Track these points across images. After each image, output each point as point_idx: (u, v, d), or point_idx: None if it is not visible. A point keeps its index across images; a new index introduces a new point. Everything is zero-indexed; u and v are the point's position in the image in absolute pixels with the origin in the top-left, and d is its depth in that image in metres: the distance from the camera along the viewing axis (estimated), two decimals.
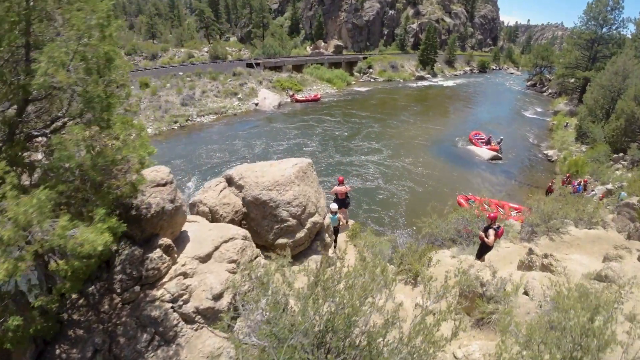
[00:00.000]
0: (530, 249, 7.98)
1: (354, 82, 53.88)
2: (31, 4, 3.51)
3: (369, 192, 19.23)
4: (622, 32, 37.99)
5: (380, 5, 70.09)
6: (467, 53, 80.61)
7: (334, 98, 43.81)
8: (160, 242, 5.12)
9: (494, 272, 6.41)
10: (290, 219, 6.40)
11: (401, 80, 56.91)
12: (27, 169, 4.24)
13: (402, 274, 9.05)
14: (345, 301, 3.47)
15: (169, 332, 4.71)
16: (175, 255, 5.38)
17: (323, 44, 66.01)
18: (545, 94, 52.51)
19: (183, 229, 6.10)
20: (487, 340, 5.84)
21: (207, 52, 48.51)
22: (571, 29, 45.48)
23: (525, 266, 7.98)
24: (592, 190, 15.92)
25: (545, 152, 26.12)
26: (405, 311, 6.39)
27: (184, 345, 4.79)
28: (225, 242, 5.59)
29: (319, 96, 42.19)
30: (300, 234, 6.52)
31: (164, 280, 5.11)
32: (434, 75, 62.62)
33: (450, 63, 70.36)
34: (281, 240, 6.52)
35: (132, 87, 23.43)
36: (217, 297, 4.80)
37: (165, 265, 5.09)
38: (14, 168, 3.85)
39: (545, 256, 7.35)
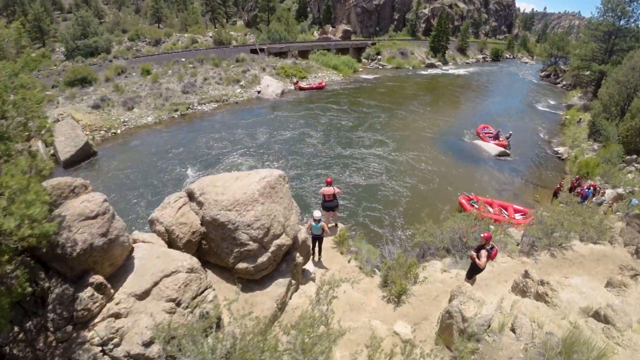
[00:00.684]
0: (526, 271, 7.29)
1: (361, 69, 52.35)
2: None
3: (370, 189, 18.56)
4: None
5: None
6: (480, 40, 77.62)
7: (340, 86, 42.61)
8: (91, 280, 4.72)
9: (480, 303, 5.75)
10: (251, 242, 5.79)
11: (410, 68, 55.11)
12: None
13: (385, 291, 8.48)
14: None
15: None
16: (112, 291, 4.95)
17: (331, 28, 64.06)
18: (559, 85, 50.49)
19: (133, 253, 5.61)
20: None
21: (211, 37, 47.44)
22: (588, 19, 43.29)
23: (520, 290, 7.31)
24: (602, 196, 14.93)
25: (555, 149, 24.93)
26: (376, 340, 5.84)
27: None
28: (167, 276, 5.07)
29: (323, 84, 41.06)
30: (262, 259, 5.92)
31: (97, 320, 4.62)
32: (445, 63, 60.44)
33: (462, 50, 67.80)
34: (241, 265, 5.94)
35: (134, 74, 22.84)
36: (148, 344, 4.29)
37: (98, 304, 4.67)
38: None
39: (542, 283, 6.67)
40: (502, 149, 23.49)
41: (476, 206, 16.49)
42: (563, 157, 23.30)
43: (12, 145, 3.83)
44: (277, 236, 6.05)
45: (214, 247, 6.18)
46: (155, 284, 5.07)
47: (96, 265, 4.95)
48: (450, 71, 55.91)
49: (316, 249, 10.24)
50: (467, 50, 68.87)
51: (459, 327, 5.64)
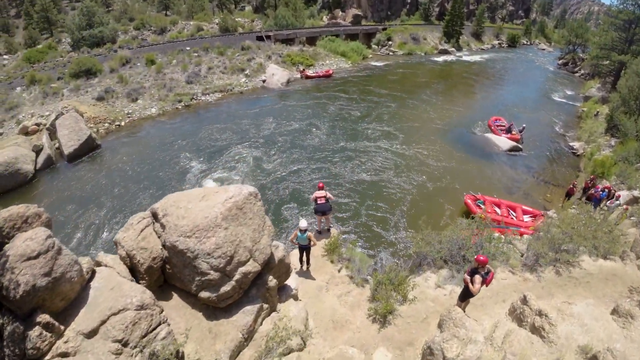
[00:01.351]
0: (525, 297, 6.68)
1: (370, 56, 50.73)
2: None
3: (374, 186, 17.93)
4: None
5: None
6: (496, 25, 74.09)
7: (348, 74, 41.38)
8: (38, 319, 4.56)
9: (465, 342, 5.22)
10: (212, 272, 5.36)
11: (422, 54, 53.10)
12: None
13: (372, 309, 8.01)
14: None
15: None
16: (62, 328, 4.75)
17: (341, 13, 62.06)
18: (577, 74, 48.05)
19: (92, 281, 5.36)
20: None
21: (217, 24, 46.50)
22: (608, 6, 40.76)
23: (516, 317, 6.74)
24: (617, 200, 13.93)
25: (571, 143, 23.60)
26: None
27: None
28: (114, 314, 4.83)
29: (331, 72, 39.94)
30: (225, 288, 5.50)
31: (47, 357, 4.40)
32: (459, 48, 57.98)
33: (477, 36, 64.82)
34: (204, 294, 5.55)
35: (138, 64, 22.67)
36: None
37: (47, 342, 4.54)
38: None
39: (540, 314, 6.08)
40: (514, 143, 22.36)
41: (483, 207, 15.75)
42: (578, 153, 22.04)
43: None
44: (243, 263, 5.61)
45: (177, 273, 5.83)
46: (103, 322, 4.87)
47: (45, 302, 4.79)
48: (464, 58, 53.61)
49: (304, 258, 9.84)
50: (482, 36, 65.84)
51: None
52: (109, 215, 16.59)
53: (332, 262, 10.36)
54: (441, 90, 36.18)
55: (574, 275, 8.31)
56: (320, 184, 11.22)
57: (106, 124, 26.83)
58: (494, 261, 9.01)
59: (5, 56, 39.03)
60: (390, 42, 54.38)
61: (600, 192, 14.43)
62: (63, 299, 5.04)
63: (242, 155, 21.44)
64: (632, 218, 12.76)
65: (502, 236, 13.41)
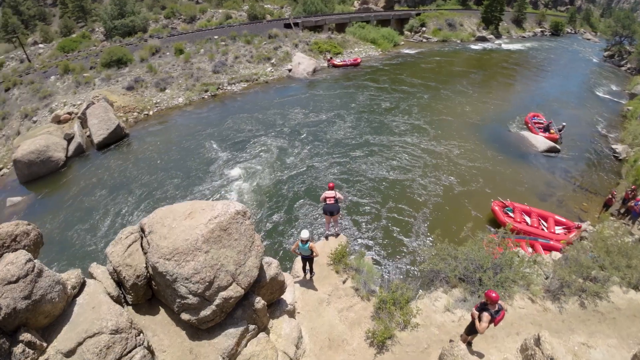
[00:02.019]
0: (538, 337, 5.98)
1: (402, 43, 48.59)
2: None
3: (398, 186, 17.12)
4: None
5: None
6: (539, 12, 68.36)
7: (378, 62, 39.83)
8: (21, 337, 4.67)
9: None
10: (190, 296, 5.16)
11: (458, 41, 50.11)
12: None
13: (369, 333, 7.56)
14: None
15: None
16: (44, 345, 4.84)
17: None
18: (623, 68, 43.51)
19: (78, 297, 5.56)
20: None
21: (245, 12, 46.22)
22: None
23: (526, 358, 6.04)
24: None
25: (613, 146, 21.32)
26: None
27: None
28: (90, 337, 4.82)
29: (359, 60, 38.65)
30: (205, 312, 5.28)
31: None
32: (498, 36, 54.08)
33: (518, 22, 60.08)
34: (185, 316, 5.40)
35: (167, 53, 23.26)
36: None
37: (29, 359, 4.64)
38: None
39: None
40: (551, 143, 20.58)
41: (511, 215, 14.65)
42: (620, 157, 19.88)
43: None
44: (224, 288, 5.36)
45: (161, 291, 5.69)
46: (80, 343, 4.92)
47: (29, 320, 4.91)
48: (504, 46, 49.92)
49: (307, 267, 9.52)
50: (523, 23, 60.97)
51: None
52: (136, 202, 17.20)
53: (337, 272, 9.96)
54: (478, 81, 33.96)
55: (600, 309, 7.40)
56: (331, 184, 10.97)
57: (135, 113, 27.59)
58: (514, 286, 8.20)
59: (41, 45, 40.93)
60: (424, 29, 51.77)
61: None
62: (47, 316, 5.16)
63: (264, 147, 21.41)
64: None
65: (527, 253, 12.48)
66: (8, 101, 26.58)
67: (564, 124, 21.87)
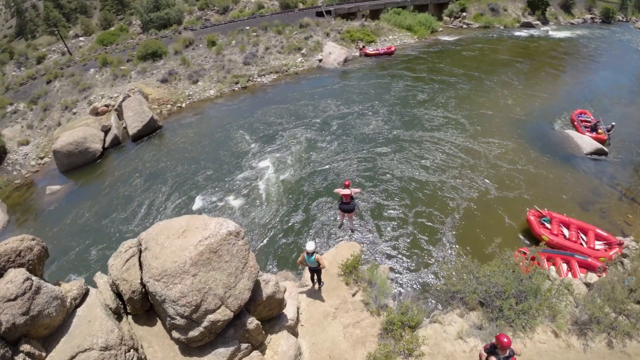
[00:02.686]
0: None
1: (440, 29, 45.99)
2: None
3: (429, 188, 16.14)
4: None
5: None
6: None
7: (413, 50, 37.99)
8: (21, 348, 5.01)
9: None
10: (178, 317, 5.16)
11: (502, 28, 46.54)
12: None
13: (370, 357, 7.26)
14: None
15: None
16: (43, 355, 5.13)
17: None
18: None
19: (79, 308, 5.85)
20: None
21: (278, 0, 45.79)
22: None
23: None
24: None
25: None
26: None
27: None
28: (82, 352, 5.04)
29: (393, 49, 37.04)
30: (194, 332, 5.29)
31: None
32: (545, 22, 49.41)
33: (567, 8, 54.38)
34: (175, 334, 5.45)
35: (200, 45, 24.10)
36: None
37: None
38: None
39: None
40: (599, 145, 18.61)
41: (548, 226, 13.50)
42: None
43: None
44: (212, 311, 5.31)
45: (156, 306, 5.74)
46: (73, 357, 5.17)
47: (30, 332, 5.20)
48: (551, 33, 45.51)
49: (315, 277, 9.33)
50: (572, 8, 55.12)
51: None
52: (168, 193, 17.97)
53: (347, 284, 9.67)
54: (524, 71, 31.29)
55: (628, 352, 6.56)
56: (347, 182, 11.00)
57: (168, 106, 28.50)
58: (538, 316, 7.47)
59: (81, 38, 43.01)
60: (464, 14, 48.58)
61: None
62: (46, 328, 5.44)
63: (293, 140, 21.40)
64: None
65: (560, 272, 11.45)
66: (50, 93, 28.38)
67: (613, 123, 19.62)
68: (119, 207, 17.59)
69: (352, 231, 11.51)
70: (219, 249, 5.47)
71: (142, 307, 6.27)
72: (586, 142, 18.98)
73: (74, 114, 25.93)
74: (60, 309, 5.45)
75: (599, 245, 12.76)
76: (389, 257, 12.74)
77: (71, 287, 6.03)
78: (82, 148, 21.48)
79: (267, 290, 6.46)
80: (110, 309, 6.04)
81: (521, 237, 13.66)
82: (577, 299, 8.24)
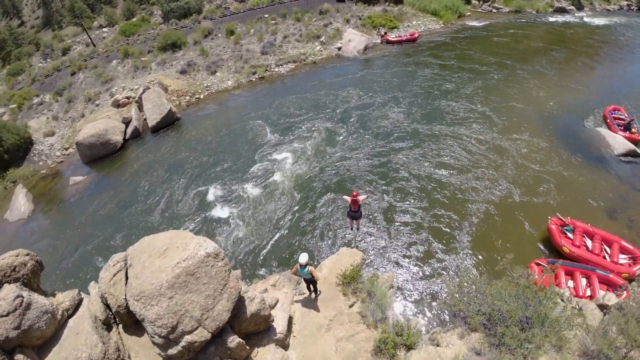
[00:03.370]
0: None
1: (468, 14, 43.51)
2: None
3: (448, 189, 15.49)
4: None
5: None
6: None
7: (438, 37, 36.14)
8: (16, 357, 5.38)
9: None
10: (156, 337, 5.25)
11: (534, 12, 43.43)
12: None
13: None
14: None
15: None
16: None
17: None
18: None
19: (72, 318, 6.17)
20: None
21: None
22: None
23: None
24: None
25: None
26: None
27: None
28: None
29: (416, 35, 35.36)
30: (172, 351, 5.39)
31: None
32: (580, 7, 45.56)
33: None
34: (156, 350, 5.56)
35: (219, 35, 24.23)
36: None
37: None
38: None
39: None
40: (632, 146, 17.22)
41: (570, 236, 12.74)
42: None
43: None
44: (189, 332, 5.38)
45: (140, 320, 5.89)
46: None
47: (24, 342, 5.54)
48: (586, 19, 41.87)
49: (311, 287, 9.27)
50: None
51: None
52: (186, 184, 18.53)
53: (344, 294, 9.54)
54: (559, 60, 29.06)
55: None
56: (355, 193, 11.16)
57: (187, 97, 28.83)
58: (543, 345, 7.03)
59: (105, 29, 43.83)
60: None
61: None
62: (39, 339, 5.79)
63: (309, 133, 21.27)
64: None
65: (577, 289, 10.82)
66: (74, 85, 29.36)
67: None
68: (139, 197, 18.22)
69: (358, 229, 12.12)
70: (197, 272, 5.48)
71: (130, 318, 6.46)
72: (618, 142, 17.62)
73: (97, 105, 26.72)
74: (51, 322, 5.72)
75: (623, 259, 11.95)
76: (398, 265, 12.45)
77: (64, 298, 6.25)
78: (103, 140, 22.20)
79: (251, 308, 6.45)
80: (100, 320, 6.25)
81: (541, 246, 13.02)
82: (589, 327, 7.72)
